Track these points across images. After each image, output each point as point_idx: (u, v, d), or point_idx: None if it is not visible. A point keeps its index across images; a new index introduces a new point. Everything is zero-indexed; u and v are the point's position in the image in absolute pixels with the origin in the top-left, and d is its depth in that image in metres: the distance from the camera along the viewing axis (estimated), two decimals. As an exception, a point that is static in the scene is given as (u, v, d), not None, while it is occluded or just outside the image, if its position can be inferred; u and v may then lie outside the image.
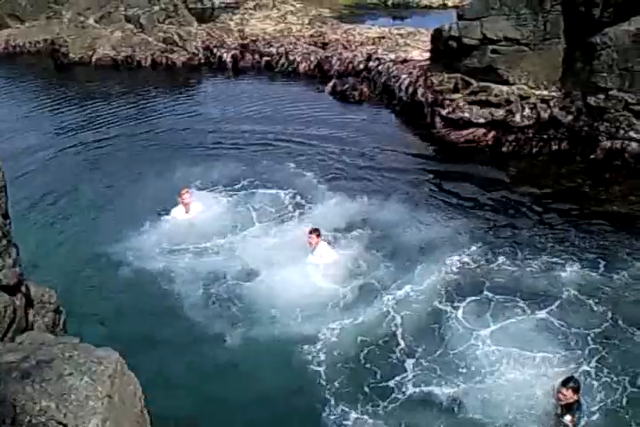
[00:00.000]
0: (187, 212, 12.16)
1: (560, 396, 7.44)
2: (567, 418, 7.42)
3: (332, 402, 7.87)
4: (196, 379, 8.09)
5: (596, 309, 9.53)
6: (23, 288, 5.98)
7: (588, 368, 8.28)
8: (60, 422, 4.50)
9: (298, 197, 12.91)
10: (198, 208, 12.28)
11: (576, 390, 7.43)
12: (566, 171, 14.27)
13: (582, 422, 7.46)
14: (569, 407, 7.47)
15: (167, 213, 12.21)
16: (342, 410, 7.76)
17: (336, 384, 8.15)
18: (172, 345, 8.70)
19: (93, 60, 23.94)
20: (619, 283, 10.10)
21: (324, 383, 8.16)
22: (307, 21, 25.47)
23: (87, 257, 10.88)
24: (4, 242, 5.78)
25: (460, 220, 12.26)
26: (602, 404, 7.78)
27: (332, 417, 7.68)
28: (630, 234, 11.55)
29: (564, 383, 7.43)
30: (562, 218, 12.33)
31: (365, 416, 7.69)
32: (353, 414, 7.70)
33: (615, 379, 8.15)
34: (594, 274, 10.34)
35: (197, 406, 7.58)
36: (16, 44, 26.01)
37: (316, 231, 10.54)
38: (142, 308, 9.48)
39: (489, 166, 14.73)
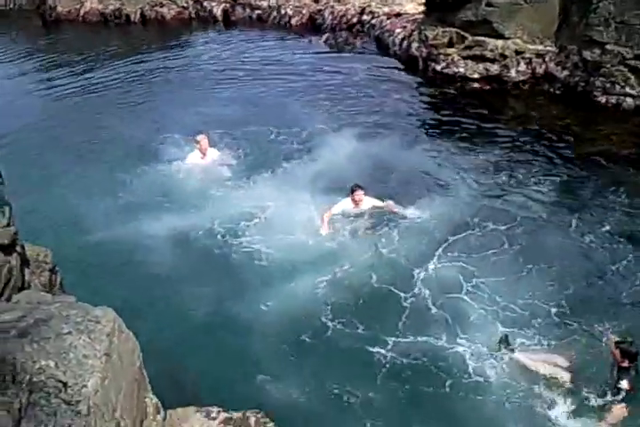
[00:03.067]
0: (203, 157, 12.10)
1: (614, 355, 7.18)
2: (623, 383, 7.04)
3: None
4: (194, 336, 8.14)
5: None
6: (18, 248, 5.97)
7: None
8: (60, 381, 4.56)
9: (305, 142, 13.16)
10: (214, 154, 12.24)
11: (625, 354, 7.08)
12: (565, 117, 14.26)
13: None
14: (623, 370, 7.12)
15: (182, 159, 12.17)
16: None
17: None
18: (171, 304, 8.72)
19: (81, 13, 23.40)
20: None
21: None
22: (299, -27, 24.83)
23: (86, 213, 10.68)
24: (-3, 202, 5.77)
25: (458, 157, 12.55)
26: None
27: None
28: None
29: (617, 343, 7.19)
30: (555, 158, 12.56)
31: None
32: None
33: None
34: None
35: (195, 362, 7.68)
36: (1, -3, 25.39)
37: (360, 188, 10.33)
38: (142, 265, 9.43)
39: (485, 113, 14.74)
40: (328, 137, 13.19)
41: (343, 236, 10.15)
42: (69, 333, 4.93)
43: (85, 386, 4.61)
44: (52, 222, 10.40)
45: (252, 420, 5.68)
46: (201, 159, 12.13)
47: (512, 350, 7.73)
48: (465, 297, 8.71)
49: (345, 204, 10.49)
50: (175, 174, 11.91)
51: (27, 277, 6.08)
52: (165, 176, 11.93)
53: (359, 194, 10.32)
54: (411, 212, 10.45)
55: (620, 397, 7.06)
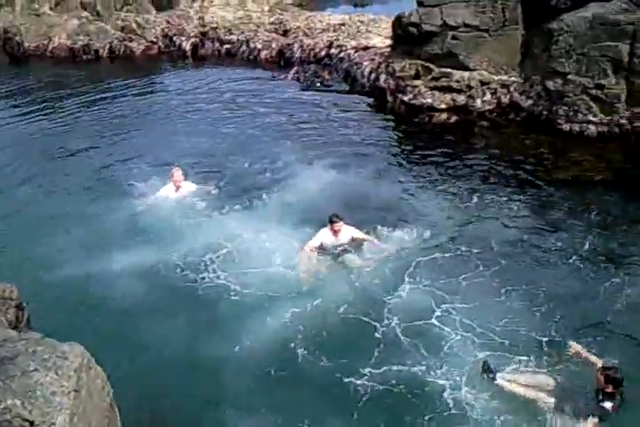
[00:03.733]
0: (176, 190, 12.04)
1: (598, 379, 7.15)
2: (607, 404, 7.05)
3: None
4: (166, 371, 7.96)
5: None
6: (-17, 284, 5.86)
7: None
8: (27, 420, 4.44)
9: (277, 173, 13.21)
10: (190, 187, 12.18)
11: (609, 381, 7.05)
12: (531, 143, 14.57)
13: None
14: (607, 395, 7.10)
15: (154, 193, 12.11)
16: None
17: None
18: (141, 339, 8.48)
19: (49, 48, 23.43)
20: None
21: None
22: (267, 8, 25.28)
23: (53, 248, 10.51)
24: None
25: (430, 190, 12.61)
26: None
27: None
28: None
29: (603, 369, 7.17)
30: (525, 184, 12.78)
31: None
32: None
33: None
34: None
35: (166, 398, 7.52)
36: (-33, 33, 25.32)
37: (338, 218, 10.15)
38: (110, 300, 9.27)
39: (454, 140, 15.00)
40: (300, 168, 13.26)
41: (318, 268, 10.03)
42: (36, 370, 4.82)
43: (53, 424, 4.50)
44: (17, 258, 10.20)
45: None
46: (174, 192, 12.08)
47: (493, 377, 7.67)
48: (441, 324, 8.61)
49: (323, 235, 10.28)
50: (148, 208, 11.80)
51: (-8, 314, 5.94)
52: (137, 209, 11.82)
53: (338, 224, 10.16)
54: (385, 245, 10.32)
55: (601, 416, 7.10)
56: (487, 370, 7.71)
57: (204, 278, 9.78)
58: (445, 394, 7.53)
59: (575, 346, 7.86)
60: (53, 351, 5.08)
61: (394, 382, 7.73)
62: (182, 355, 8.18)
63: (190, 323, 8.79)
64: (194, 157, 14.14)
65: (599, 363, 7.49)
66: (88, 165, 14.16)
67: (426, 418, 7.25)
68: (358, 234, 10.43)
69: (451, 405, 7.41)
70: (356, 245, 10.37)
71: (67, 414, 4.58)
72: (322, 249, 10.26)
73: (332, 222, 10.16)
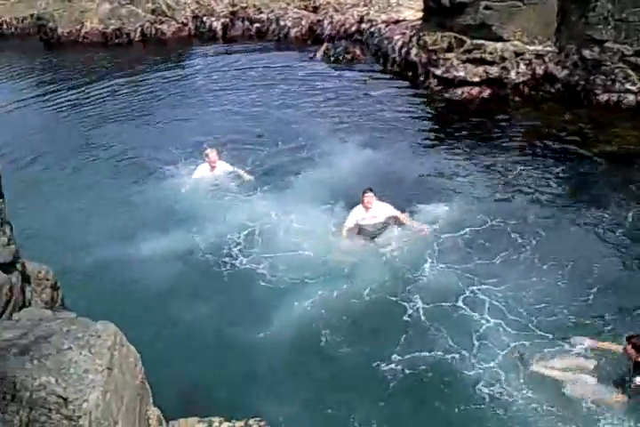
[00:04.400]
0: (212, 170, 12.10)
1: (627, 351, 7.09)
2: (637, 380, 6.97)
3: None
4: (197, 349, 8.04)
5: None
6: (19, 266, 5.97)
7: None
8: (61, 396, 4.53)
9: (310, 152, 13.16)
10: (225, 167, 12.22)
11: (639, 348, 6.99)
12: (568, 116, 14.22)
13: None
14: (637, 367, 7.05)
15: (190, 173, 12.18)
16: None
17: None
18: (174, 319, 8.60)
19: (82, 34, 23.63)
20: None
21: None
22: (297, -15, 24.99)
23: (88, 230, 10.69)
24: (-2, 220, 5.77)
25: (464, 166, 12.44)
26: None
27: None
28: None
29: (628, 338, 7.11)
30: (563, 158, 12.48)
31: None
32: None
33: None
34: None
35: (197, 377, 7.59)
36: (2, 20, 25.69)
37: (370, 190, 10.03)
38: (143, 281, 9.38)
39: (488, 117, 14.71)
40: (332, 146, 13.21)
41: (353, 249, 9.93)
42: (70, 348, 4.92)
43: (86, 401, 4.59)
44: (53, 239, 10.34)
45: (255, 427, 5.64)
46: (209, 172, 12.13)
47: (527, 364, 7.53)
48: (473, 308, 8.50)
49: (356, 212, 10.16)
50: (183, 189, 11.88)
51: (28, 295, 6.07)
52: (172, 190, 11.90)
53: (368, 196, 10.00)
54: (418, 225, 10.16)
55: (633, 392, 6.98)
56: (521, 357, 7.59)
57: (235, 261, 9.81)
58: (479, 381, 7.38)
59: (587, 341, 7.68)
60: (87, 330, 5.17)
61: (423, 367, 7.61)
62: (212, 336, 8.25)
63: (221, 305, 8.84)
64: (226, 137, 14.18)
65: (615, 347, 7.36)
66: (121, 147, 14.31)
67: (457, 406, 7.10)
68: (393, 212, 10.26)
69: (484, 392, 7.25)
70: (392, 224, 10.23)
71: (100, 392, 4.67)
72: (357, 228, 10.15)
73: (364, 194, 10.03)
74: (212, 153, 12.07)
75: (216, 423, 5.63)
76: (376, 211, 10.17)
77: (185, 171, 12.52)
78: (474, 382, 7.37)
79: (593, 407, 6.99)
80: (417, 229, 10.11)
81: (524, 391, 7.21)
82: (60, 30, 23.74)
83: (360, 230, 10.16)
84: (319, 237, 10.14)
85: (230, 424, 5.58)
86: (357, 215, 10.18)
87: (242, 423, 5.61)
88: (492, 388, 7.28)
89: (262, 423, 5.61)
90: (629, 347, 7.07)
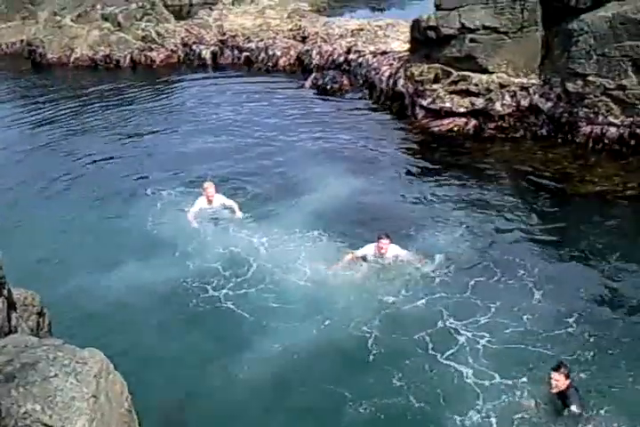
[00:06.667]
0: (209, 204, 12.08)
1: (553, 382, 7.22)
2: (573, 408, 7.12)
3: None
4: (181, 379, 7.99)
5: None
6: (5, 292, 5.92)
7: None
8: (46, 424, 4.49)
9: (299, 185, 13.19)
10: (221, 200, 12.19)
11: (567, 375, 7.24)
12: (552, 155, 14.41)
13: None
14: (564, 395, 7.23)
15: (188, 206, 12.12)
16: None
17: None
18: (161, 346, 8.57)
19: (71, 60, 23.77)
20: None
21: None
22: (285, 15, 25.35)
23: (75, 257, 10.67)
24: (-16, 245, 5.74)
25: (446, 203, 12.49)
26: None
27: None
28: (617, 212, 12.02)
29: (556, 369, 7.24)
30: (548, 198, 12.60)
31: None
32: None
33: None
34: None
35: (185, 402, 7.55)
36: (-8, 45, 25.84)
37: (388, 237, 10.14)
38: (131, 309, 9.33)
39: (471, 154, 14.89)
40: (320, 178, 13.19)
41: (351, 279, 10.00)
42: (56, 375, 4.89)
43: (72, 429, 4.54)
44: (40, 266, 10.31)
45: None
46: (207, 204, 12.09)
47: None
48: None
49: (369, 249, 10.31)
50: (181, 220, 11.82)
51: (14, 322, 6.01)
52: (163, 218, 11.87)
53: (384, 243, 10.12)
54: (429, 267, 10.19)
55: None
56: None
57: (220, 291, 9.78)
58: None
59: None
60: (73, 357, 5.14)
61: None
62: (198, 365, 8.20)
63: (206, 334, 8.84)
64: (216, 166, 14.23)
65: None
66: (111, 173, 14.34)
67: None
68: (402, 253, 10.38)
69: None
70: (397, 262, 10.30)
71: (86, 420, 4.63)
72: (363, 260, 10.31)
73: (379, 240, 10.13)
74: (209, 187, 12.03)
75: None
76: (388, 254, 10.28)
77: (181, 200, 12.50)
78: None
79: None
80: (416, 264, 10.23)
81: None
82: (49, 55, 23.89)
83: (365, 262, 10.30)
84: (307, 270, 10.17)
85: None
86: (369, 252, 10.32)
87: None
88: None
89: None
90: (560, 376, 7.18)
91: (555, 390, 7.26)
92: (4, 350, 5.24)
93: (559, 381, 7.20)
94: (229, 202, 12.23)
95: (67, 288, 9.55)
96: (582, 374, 7.84)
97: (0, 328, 5.66)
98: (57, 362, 5.03)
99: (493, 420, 7.29)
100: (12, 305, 6.10)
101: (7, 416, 4.46)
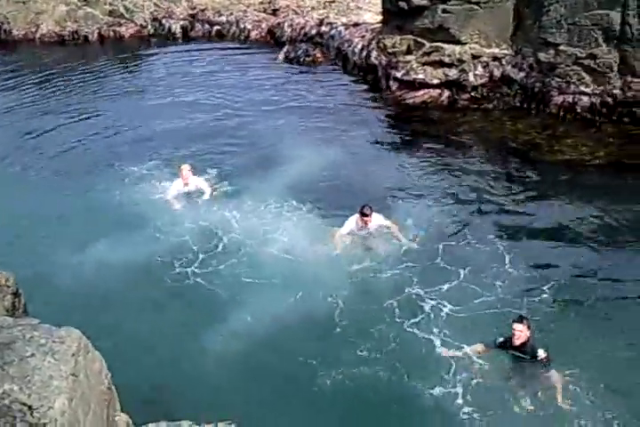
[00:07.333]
0: (185, 186, 11.84)
1: (517, 333, 7.44)
2: (540, 352, 7.41)
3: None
4: (160, 356, 8.02)
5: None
6: (-21, 273, 5.88)
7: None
8: (25, 404, 4.47)
9: (272, 157, 13.07)
10: (197, 182, 11.95)
11: (529, 326, 7.51)
12: (522, 125, 14.49)
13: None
14: (527, 346, 7.50)
15: (163, 189, 11.99)
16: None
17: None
18: (142, 323, 8.56)
19: (38, 36, 23.23)
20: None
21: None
22: (256, -12, 24.96)
23: (54, 236, 10.55)
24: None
25: (419, 172, 12.60)
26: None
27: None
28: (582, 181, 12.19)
29: (519, 320, 7.49)
30: (518, 168, 12.75)
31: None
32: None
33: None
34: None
35: (163, 381, 7.58)
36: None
37: (370, 209, 10.04)
38: (108, 286, 9.30)
39: (445, 124, 14.94)
40: (294, 150, 13.14)
41: (344, 252, 10.00)
42: (33, 355, 4.85)
43: (52, 408, 4.53)
44: (11, 245, 10.19)
45: (224, 431, 5.65)
46: (183, 187, 11.87)
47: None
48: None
49: (352, 223, 10.24)
50: (151, 196, 11.74)
51: (-12, 302, 5.96)
52: (139, 198, 11.74)
53: (367, 218, 10.05)
54: (403, 239, 10.22)
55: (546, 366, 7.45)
56: None
57: (194, 265, 9.83)
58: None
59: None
60: (50, 336, 5.10)
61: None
62: (177, 340, 8.26)
63: (184, 309, 8.91)
64: (186, 140, 14.16)
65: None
66: (78, 150, 14.17)
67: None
68: (385, 222, 10.36)
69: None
70: (380, 232, 10.32)
71: (65, 398, 4.62)
72: (349, 235, 10.29)
73: (362, 215, 10.06)
74: (185, 169, 11.78)
75: (185, 427, 5.63)
76: (372, 224, 10.25)
77: (156, 179, 12.36)
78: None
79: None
80: (401, 239, 10.24)
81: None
82: (14, 32, 23.31)
83: (351, 236, 10.29)
84: (284, 241, 10.21)
85: (199, 427, 5.58)
86: (353, 225, 10.28)
87: (211, 426, 5.61)
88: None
89: (231, 426, 5.61)
90: (524, 327, 7.42)
91: (518, 342, 7.48)
92: (-20, 332, 5.19)
93: (522, 331, 7.44)
94: (204, 184, 11.98)
95: (39, 267, 9.46)
96: (551, 339, 8.01)
97: (-25, 310, 5.61)
98: (33, 342, 4.99)
99: (459, 389, 7.45)
100: (-15, 286, 6.05)
101: (-15, 397, 4.44)
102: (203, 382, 7.58)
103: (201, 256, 10.03)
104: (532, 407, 7.20)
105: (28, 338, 5.04)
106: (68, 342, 5.07)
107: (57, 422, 4.49)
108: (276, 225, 10.61)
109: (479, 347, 7.88)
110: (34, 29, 23.33)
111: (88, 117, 16.18)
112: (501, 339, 7.69)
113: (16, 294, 6.56)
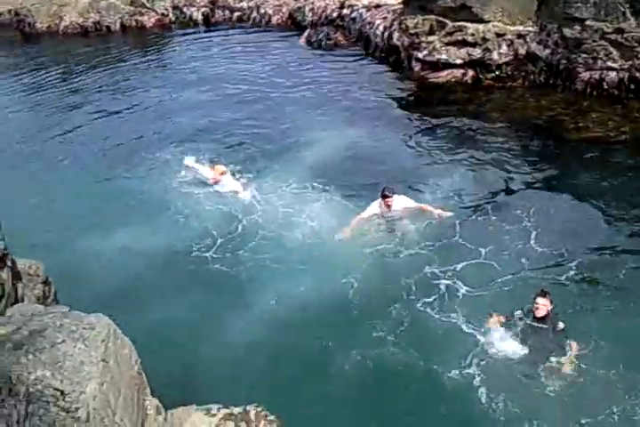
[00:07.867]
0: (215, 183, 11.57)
1: (540, 307, 7.54)
2: (560, 324, 7.56)
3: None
4: (190, 341, 8.08)
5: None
6: (9, 262, 5.97)
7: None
8: (57, 389, 4.58)
9: (297, 140, 13.11)
10: (230, 184, 11.52)
11: (551, 301, 7.62)
12: (546, 102, 14.30)
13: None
14: (548, 318, 7.60)
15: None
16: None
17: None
18: (169, 310, 8.60)
19: (61, 28, 23.38)
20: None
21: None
22: (275, -28, 24.79)
23: (80, 225, 10.60)
24: (-16, 217, 5.77)
25: (444, 151, 12.50)
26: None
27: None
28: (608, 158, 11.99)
29: (543, 295, 7.61)
30: (543, 145, 12.64)
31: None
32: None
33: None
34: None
35: (193, 366, 7.65)
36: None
37: (391, 191, 9.86)
38: (135, 273, 9.37)
39: (468, 103, 14.78)
40: (319, 133, 13.21)
41: (364, 238, 9.89)
42: (64, 341, 4.96)
43: (83, 392, 4.63)
44: (38, 234, 10.25)
45: (252, 413, 5.70)
46: (212, 184, 11.58)
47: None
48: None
49: (375, 208, 10.09)
50: (175, 182, 11.79)
51: (20, 291, 6.08)
52: (163, 184, 11.81)
53: (390, 200, 9.89)
54: (438, 211, 10.13)
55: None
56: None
57: (218, 250, 9.87)
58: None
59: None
60: (80, 323, 5.21)
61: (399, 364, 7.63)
62: (208, 323, 8.29)
63: (212, 295, 8.93)
64: (210, 123, 14.24)
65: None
66: (103, 135, 14.23)
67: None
68: (410, 203, 10.19)
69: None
70: (407, 213, 10.18)
71: (96, 383, 4.72)
72: (372, 219, 10.13)
73: (384, 197, 9.90)
74: (218, 171, 11.47)
75: (214, 411, 5.69)
76: (395, 207, 10.08)
77: (170, 160, 12.48)
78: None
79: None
80: (437, 215, 10.14)
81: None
82: (38, 25, 23.46)
83: (376, 220, 10.15)
84: (310, 227, 10.18)
85: (228, 411, 5.63)
86: (375, 210, 10.13)
87: (240, 410, 5.68)
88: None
89: (259, 409, 5.67)
90: (546, 301, 7.56)
91: (540, 314, 7.59)
92: (12, 319, 5.31)
93: (546, 305, 7.59)
94: (237, 185, 11.49)
95: (66, 255, 9.54)
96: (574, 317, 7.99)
97: (7, 298, 5.73)
98: (64, 328, 5.10)
99: (476, 368, 7.43)
100: (17, 275, 6.17)
101: (18, 383, 4.55)
102: (225, 366, 7.63)
103: (222, 241, 10.08)
104: (552, 387, 7.17)
105: (59, 325, 5.15)
106: (97, 328, 5.17)
107: (89, 406, 4.59)
108: (299, 207, 10.60)
109: (498, 318, 7.91)
110: (57, 22, 23.46)
111: (113, 101, 16.29)
112: (519, 311, 7.79)
113: (46, 283, 6.70)
